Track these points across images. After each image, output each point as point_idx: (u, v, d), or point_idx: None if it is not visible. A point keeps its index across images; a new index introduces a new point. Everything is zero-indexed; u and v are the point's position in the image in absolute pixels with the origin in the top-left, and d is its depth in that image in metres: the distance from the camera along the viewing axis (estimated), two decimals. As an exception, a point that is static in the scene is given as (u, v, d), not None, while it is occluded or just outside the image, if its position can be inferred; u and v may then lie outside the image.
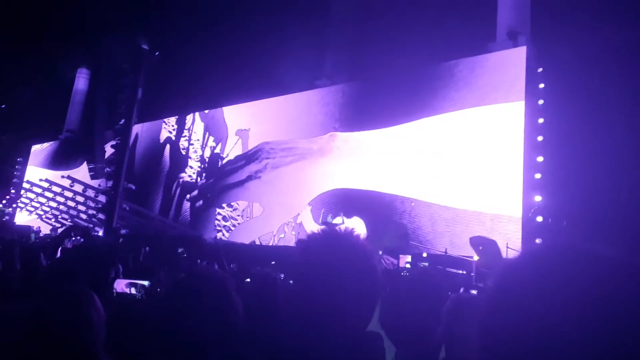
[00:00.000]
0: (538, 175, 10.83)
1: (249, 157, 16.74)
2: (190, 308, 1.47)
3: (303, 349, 1.06)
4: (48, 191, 21.04)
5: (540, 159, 10.92)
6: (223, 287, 1.54)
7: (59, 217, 20.34)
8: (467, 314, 1.74)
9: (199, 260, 9.89)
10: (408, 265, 10.41)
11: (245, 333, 1.48)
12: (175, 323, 1.45)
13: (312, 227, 13.86)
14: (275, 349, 1.08)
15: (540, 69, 11.62)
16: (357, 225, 12.39)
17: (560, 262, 0.58)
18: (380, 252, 10.53)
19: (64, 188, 20.31)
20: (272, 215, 14.95)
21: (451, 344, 1.78)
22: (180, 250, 9.26)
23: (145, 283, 2.98)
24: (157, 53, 15.92)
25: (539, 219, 10.57)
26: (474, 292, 7.30)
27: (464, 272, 9.82)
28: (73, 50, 20.92)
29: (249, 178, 16.39)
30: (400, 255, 10.84)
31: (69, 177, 20.08)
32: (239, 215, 15.98)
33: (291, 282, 1.19)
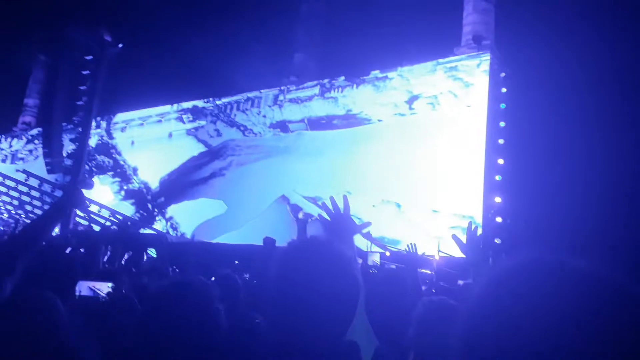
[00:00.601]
0: (498, 177, 11.11)
1: (213, 154, 16.54)
2: (171, 317, 1.42)
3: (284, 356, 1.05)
4: (1, 185, 20.18)
5: (500, 161, 11.21)
6: (206, 295, 1.50)
7: (12, 212, 19.54)
8: (437, 320, 1.76)
9: (161, 257, 9.67)
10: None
11: (227, 341, 1.45)
12: (155, 332, 1.40)
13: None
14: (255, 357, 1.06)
15: (503, 74, 11.93)
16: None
17: (541, 276, 0.60)
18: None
19: (18, 182, 19.51)
20: (237, 213, 14.80)
21: (421, 349, 1.78)
22: (147, 250, 9.02)
23: (109, 285, 2.87)
24: (119, 45, 15.48)
25: (499, 219, 10.85)
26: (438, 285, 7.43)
27: (427, 271, 9.97)
28: (31, 39, 20.15)
29: (213, 175, 16.20)
30: (369, 252, 10.90)
31: (24, 171, 19.31)
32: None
33: (270, 290, 1.17)
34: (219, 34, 16.44)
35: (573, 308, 0.55)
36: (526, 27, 11.97)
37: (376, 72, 14.07)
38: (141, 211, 17.49)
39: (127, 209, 17.76)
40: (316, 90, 15.19)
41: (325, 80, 15.09)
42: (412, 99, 13.22)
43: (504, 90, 11.75)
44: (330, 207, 1.68)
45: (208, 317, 1.47)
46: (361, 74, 14.22)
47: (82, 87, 15.40)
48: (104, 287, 2.88)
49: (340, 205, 1.69)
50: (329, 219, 1.66)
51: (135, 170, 18.70)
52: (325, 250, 1.17)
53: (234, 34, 16.36)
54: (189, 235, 15.45)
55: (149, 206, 17.32)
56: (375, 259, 10.57)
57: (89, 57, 15.19)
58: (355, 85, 14.44)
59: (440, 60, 13.01)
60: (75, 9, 15.49)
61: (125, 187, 18.65)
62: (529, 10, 12.14)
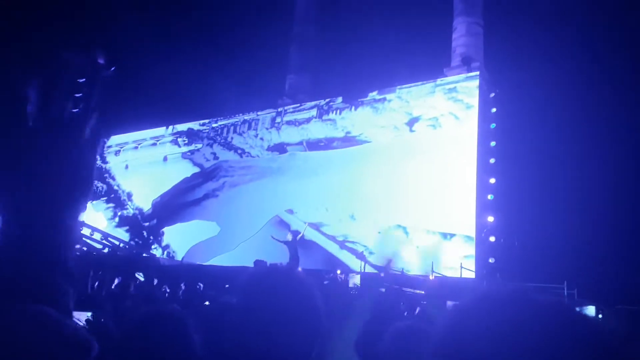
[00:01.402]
0: (490, 196, 11.16)
1: (206, 175, 16.51)
2: (147, 348, 1.41)
3: None
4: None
5: (492, 180, 11.28)
6: (181, 325, 1.49)
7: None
8: (408, 345, 1.75)
9: (152, 281, 9.56)
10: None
11: None
12: None
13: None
14: None
15: (492, 94, 12.09)
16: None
17: (506, 309, 0.64)
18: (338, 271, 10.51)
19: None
20: (230, 235, 14.71)
21: None
22: (132, 274, 8.91)
23: (89, 314, 2.82)
24: (112, 68, 15.56)
25: (492, 238, 10.87)
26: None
27: (421, 292, 9.93)
28: (24, 62, 20.21)
29: (206, 197, 16.14)
30: (350, 274, 10.85)
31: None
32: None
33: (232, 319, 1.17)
34: (211, 57, 16.59)
35: (529, 337, 0.60)
36: (514, 48, 12.20)
37: (374, 94, 14.13)
38: (136, 239, 17.21)
39: (121, 235, 17.58)
40: (313, 112, 15.22)
41: (323, 103, 15.13)
42: (412, 121, 13.21)
43: (494, 110, 11.90)
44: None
45: (184, 348, 1.46)
46: (359, 96, 14.28)
47: (74, 110, 15.44)
48: (83, 316, 2.83)
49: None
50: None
51: (129, 195, 18.39)
52: (285, 278, 1.18)
53: (226, 56, 16.51)
54: (181, 258, 15.31)
55: (144, 233, 17.03)
56: (356, 281, 10.51)
57: (82, 80, 15.25)
58: (353, 108, 14.47)
59: (439, 82, 13.07)
60: (68, 31, 15.59)
61: (119, 213, 18.33)
62: (516, 32, 12.38)
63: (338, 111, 14.73)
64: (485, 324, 0.63)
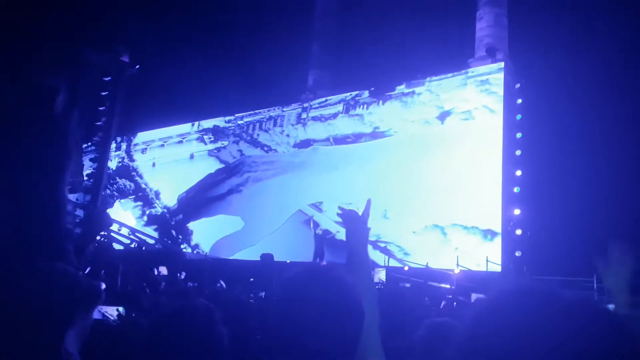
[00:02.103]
0: (517, 189, 10.98)
1: (229, 171, 16.67)
2: (175, 343, 1.43)
3: None
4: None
5: (518, 172, 11.09)
6: (209, 320, 1.51)
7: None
8: (440, 341, 1.73)
9: (179, 275, 9.71)
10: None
11: None
12: (159, 357, 1.42)
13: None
14: None
15: (518, 85, 11.86)
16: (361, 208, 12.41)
17: (530, 303, 0.64)
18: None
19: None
20: (254, 229, 14.84)
21: None
22: (159, 269, 9.05)
23: (120, 309, 2.88)
24: (137, 66, 15.80)
25: (518, 231, 10.70)
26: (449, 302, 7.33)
27: (447, 286, 9.86)
28: (50, 61, 20.65)
29: (230, 192, 16.30)
30: (376, 269, 10.83)
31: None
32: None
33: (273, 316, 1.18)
34: (233, 53, 16.70)
35: (558, 335, 0.60)
36: (541, 37, 11.93)
37: (402, 88, 13.79)
38: (165, 238, 17.37)
39: (150, 233, 17.84)
40: (340, 107, 15.00)
41: (349, 97, 14.87)
42: (443, 115, 12.82)
43: (519, 101, 11.67)
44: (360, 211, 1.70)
45: (211, 341, 1.48)
46: (383, 90, 14.00)
47: (101, 108, 15.73)
48: (113, 310, 2.89)
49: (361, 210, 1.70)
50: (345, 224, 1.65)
51: (157, 194, 18.51)
52: (326, 278, 1.17)
53: (248, 52, 16.59)
54: (207, 252, 15.53)
55: (173, 232, 17.11)
56: (381, 275, 10.48)
57: (107, 78, 15.54)
58: (380, 102, 14.19)
59: (470, 74, 12.64)
60: (92, 31, 15.87)
61: (147, 212, 18.47)
62: (543, 20, 12.10)
63: (365, 106, 14.47)
64: (513, 318, 0.62)
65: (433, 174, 12.24)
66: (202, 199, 16.90)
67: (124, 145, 20.25)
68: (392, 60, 13.98)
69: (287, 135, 15.86)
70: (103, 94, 15.66)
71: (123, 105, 15.95)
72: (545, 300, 0.64)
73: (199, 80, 17.40)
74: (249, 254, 13.87)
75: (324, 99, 15.53)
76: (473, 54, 13.22)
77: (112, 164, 19.64)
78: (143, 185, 19.06)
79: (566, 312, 0.62)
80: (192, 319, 1.50)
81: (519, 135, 11.36)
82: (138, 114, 18.24)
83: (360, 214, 1.65)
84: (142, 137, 19.79)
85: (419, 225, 12.09)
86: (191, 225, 16.77)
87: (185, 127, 18.61)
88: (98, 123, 15.82)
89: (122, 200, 19.14)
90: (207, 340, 1.47)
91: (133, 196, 19.13)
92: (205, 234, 16.20)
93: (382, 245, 12.40)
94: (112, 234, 17.35)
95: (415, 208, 12.27)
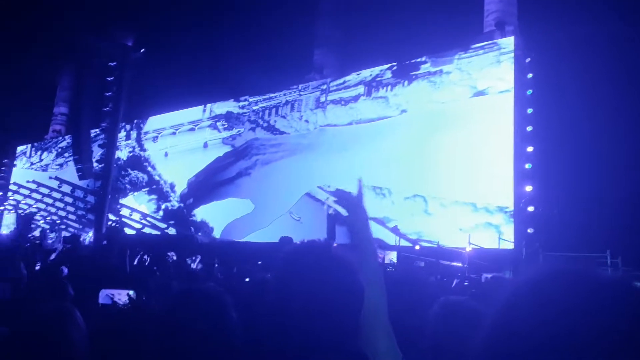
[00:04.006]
0: (528, 165, 10.87)
1: (238, 154, 16.64)
2: (186, 326, 1.42)
3: None
4: (36, 192, 20.80)
5: (530, 148, 10.96)
6: (219, 303, 1.50)
7: (47, 218, 20.11)
8: (456, 320, 1.71)
9: (189, 260, 9.78)
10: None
11: (242, 350, 1.44)
12: (169, 341, 1.41)
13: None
14: None
15: (528, 59, 11.65)
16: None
17: (569, 286, 0.62)
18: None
19: (51, 189, 20.07)
20: (264, 212, 14.89)
21: (439, 349, 1.74)
22: (169, 254, 9.11)
23: (131, 292, 2.90)
24: (142, 50, 15.72)
25: (530, 208, 10.63)
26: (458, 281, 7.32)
27: (459, 264, 9.86)
28: (56, 48, 20.63)
29: (239, 175, 16.30)
30: (386, 250, 10.86)
31: (56, 178, 19.85)
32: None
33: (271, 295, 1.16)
34: (237, 33, 16.52)
35: (602, 319, 0.58)
36: (552, 10, 11.65)
37: (427, 66, 13.00)
38: (177, 224, 17.01)
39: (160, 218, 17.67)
40: (360, 89, 14.19)
41: (369, 77, 14.00)
42: (478, 94, 12.01)
43: (530, 76, 11.47)
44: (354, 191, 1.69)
45: (222, 325, 1.47)
46: (411, 70, 13.16)
47: (107, 94, 15.73)
48: (122, 294, 2.91)
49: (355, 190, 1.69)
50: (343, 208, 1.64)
51: (172, 186, 17.81)
52: (325, 255, 1.15)
53: (253, 32, 16.40)
54: (218, 236, 15.64)
55: (192, 229, 16.52)
56: (392, 257, 10.51)
57: (113, 64, 15.49)
58: (406, 82, 13.33)
59: (503, 50, 11.88)
60: (96, 16, 15.78)
61: (163, 206, 17.79)
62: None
63: (389, 87, 13.65)
64: (554, 301, 0.60)
65: (444, 152, 12.12)
66: (212, 183, 16.91)
67: (134, 134, 19.59)
68: (397, 37, 13.71)
69: (306, 121, 15.19)
70: (109, 79, 15.64)
71: (130, 90, 15.93)
72: (584, 281, 0.62)
73: (204, 65, 17.25)
74: (260, 236, 13.96)
75: (341, 80, 14.77)
76: (482, 29, 12.97)
77: (123, 154, 19.31)
78: (157, 177, 18.38)
79: (607, 294, 0.60)
80: (202, 303, 1.49)
81: (530, 110, 11.20)
82: (146, 98, 18.16)
83: (355, 194, 1.61)
84: (152, 124, 19.15)
85: (430, 204, 12.05)
86: (202, 208, 16.83)
87: (196, 114, 17.96)
88: (105, 109, 15.84)
89: (136, 193, 18.62)
90: (217, 324, 1.46)
91: (147, 188, 18.50)
92: (216, 218, 16.27)
93: (392, 225, 12.38)
94: (123, 219, 17.52)
95: (426, 187, 12.21)
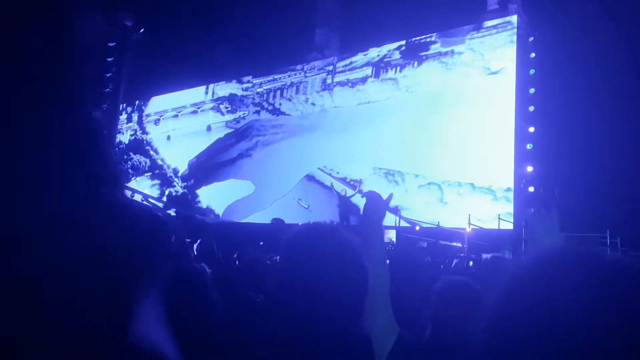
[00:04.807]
0: (529, 146, 10.85)
1: (239, 135, 16.58)
2: (169, 307, 1.41)
3: (288, 348, 1.04)
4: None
5: (531, 129, 10.93)
6: (199, 283, 1.49)
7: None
8: (456, 299, 1.75)
9: (188, 240, 9.80)
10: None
11: (224, 330, 1.43)
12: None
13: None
14: (260, 347, 1.06)
15: (531, 38, 11.52)
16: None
17: (572, 267, 0.62)
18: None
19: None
20: (265, 193, 14.92)
21: (438, 325, 1.78)
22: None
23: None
24: (141, 30, 15.59)
25: (531, 189, 10.64)
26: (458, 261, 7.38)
27: (459, 244, 9.91)
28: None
29: (240, 156, 16.27)
30: (385, 230, 10.85)
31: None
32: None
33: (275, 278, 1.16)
34: (237, 9, 16.27)
35: (606, 300, 0.57)
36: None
37: (437, 47, 12.69)
38: (179, 205, 16.84)
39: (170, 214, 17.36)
40: (368, 70, 13.85)
41: (376, 58, 13.65)
42: (492, 74, 11.79)
43: (532, 55, 11.36)
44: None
45: (202, 305, 1.45)
46: (420, 50, 12.85)
47: (107, 75, 15.64)
48: None
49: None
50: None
51: (175, 171, 17.52)
52: (329, 237, 1.14)
53: (253, 11, 16.19)
54: (219, 216, 15.69)
55: (187, 199, 16.39)
56: (391, 236, 10.56)
57: (112, 44, 15.38)
58: (415, 63, 12.99)
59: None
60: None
61: (167, 192, 17.47)
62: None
63: (398, 68, 13.30)
64: (560, 282, 0.60)
65: (445, 132, 12.09)
66: (212, 164, 16.88)
67: (135, 116, 19.09)
68: (397, 16, 13.49)
69: (313, 104, 14.86)
70: (108, 60, 15.55)
71: (130, 71, 15.83)
72: (590, 262, 0.61)
73: (205, 45, 17.03)
74: (261, 217, 14.01)
75: (348, 61, 14.44)
76: (485, 7, 12.80)
77: (125, 137, 19.06)
78: (159, 162, 18.04)
79: (614, 275, 0.60)
80: (182, 282, 1.46)
81: (532, 90, 11.13)
82: (147, 78, 17.92)
83: (384, 198, 1.64)
84: (154, 106, 18.69)
85: (430, 184, 12.05)
86: (203, 189, 16.84)
87: (199, 96, 17.58)
88: (106, 90, 15.78)
89: (138, 178, 18.27)
90: (197, 304, 1.45)
91: (149, 173, 18.18)
92: (217, 199, 16.30)
93: (392, 205, 12.41)
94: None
95: (427, 167, 12.20)
